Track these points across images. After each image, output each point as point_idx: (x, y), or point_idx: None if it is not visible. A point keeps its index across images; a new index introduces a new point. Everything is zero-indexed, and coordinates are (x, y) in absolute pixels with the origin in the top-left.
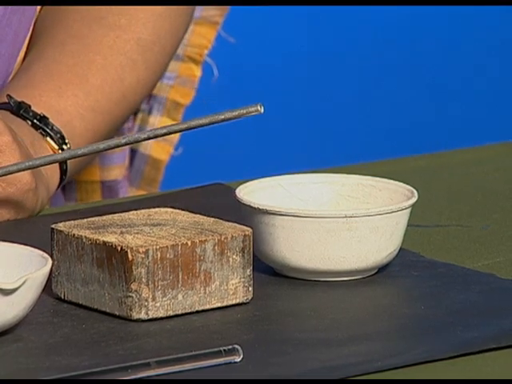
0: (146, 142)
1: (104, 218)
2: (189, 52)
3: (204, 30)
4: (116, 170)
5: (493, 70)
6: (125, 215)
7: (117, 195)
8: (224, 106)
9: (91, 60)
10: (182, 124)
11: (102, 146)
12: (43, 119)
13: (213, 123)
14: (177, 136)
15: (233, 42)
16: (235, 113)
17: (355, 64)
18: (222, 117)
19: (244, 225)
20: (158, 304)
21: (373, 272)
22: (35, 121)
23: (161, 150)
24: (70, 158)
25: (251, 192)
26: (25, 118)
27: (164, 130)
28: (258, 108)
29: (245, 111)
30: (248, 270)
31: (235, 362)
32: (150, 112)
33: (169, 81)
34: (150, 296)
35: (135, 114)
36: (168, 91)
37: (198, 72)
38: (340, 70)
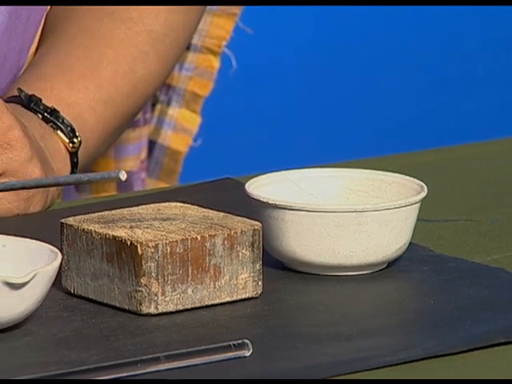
0: (165, 133)
1: (114, 212)
2: (207, 43)
3: (222, 21)
4: (130, 161)
5: (503, 64)
6: (134, 210)
7: (131, 187)
8: (241, 96)
9: (102, 53)
10: (50, 179)
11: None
12: (54, 112)
13: (78, 183)
14: (196, 128)
15: (250, 33)
16: (98, 176)
17: (365, 59)
18: (87, 178)
19: (253, 219)
20: (167, 298)
21: (382, 267)
22: (46, 114)
23: (180, 142)
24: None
25: (261, 186)
26: (35, 112)
27: (32, 183)
28: (120, 176)
29: (107, 176)
30: (257, 265)
31: (245, 357)
32: (168, 103)
33: (187, 72)
34: (160, 290)
35: (154, 105)
36: (187, 82)
37: (216, 63)
38: (350, 64)
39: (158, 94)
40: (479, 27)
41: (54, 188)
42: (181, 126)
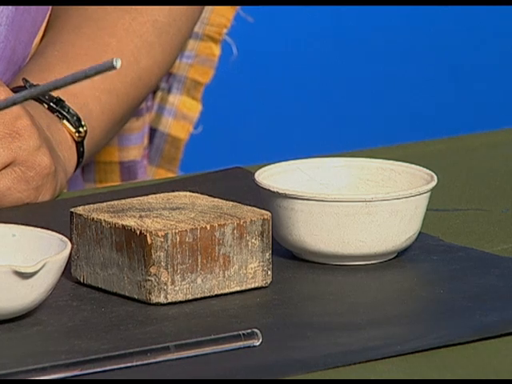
0: (166, 120)
1: (123, 201)
2: (208, 31)
3: (223, 8)
4: (134, 150)
5: None
6: (144, 199)
7: (135, 176)
8: (242, 84)
9: (107, 43)
10: (47, 85)
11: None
12: (59, 102)
13: (76, 81)
14: (196, 115)
15: (251, 21)
16: (93, 69)
17: (374, 47)
18: (83, 74)
19: (263, 209)
20: (177, 288)
21: (392, 256)
22: (51, 104)
23: (180, 129)
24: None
25: (270, 176)
26: (41, 102)
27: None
28: (114, 63)
29: (101, 67)
30: (267, 254)
31: (254, 346)
32: (169, 91)
33: (188, 60)
34: (169, 280)
35: (154, 92)
36: (187, 70)
37: (217, 51)
38: (358, 52)
39: None
40: (488, 18)
41: (63, 177)
42: (181, 114)
